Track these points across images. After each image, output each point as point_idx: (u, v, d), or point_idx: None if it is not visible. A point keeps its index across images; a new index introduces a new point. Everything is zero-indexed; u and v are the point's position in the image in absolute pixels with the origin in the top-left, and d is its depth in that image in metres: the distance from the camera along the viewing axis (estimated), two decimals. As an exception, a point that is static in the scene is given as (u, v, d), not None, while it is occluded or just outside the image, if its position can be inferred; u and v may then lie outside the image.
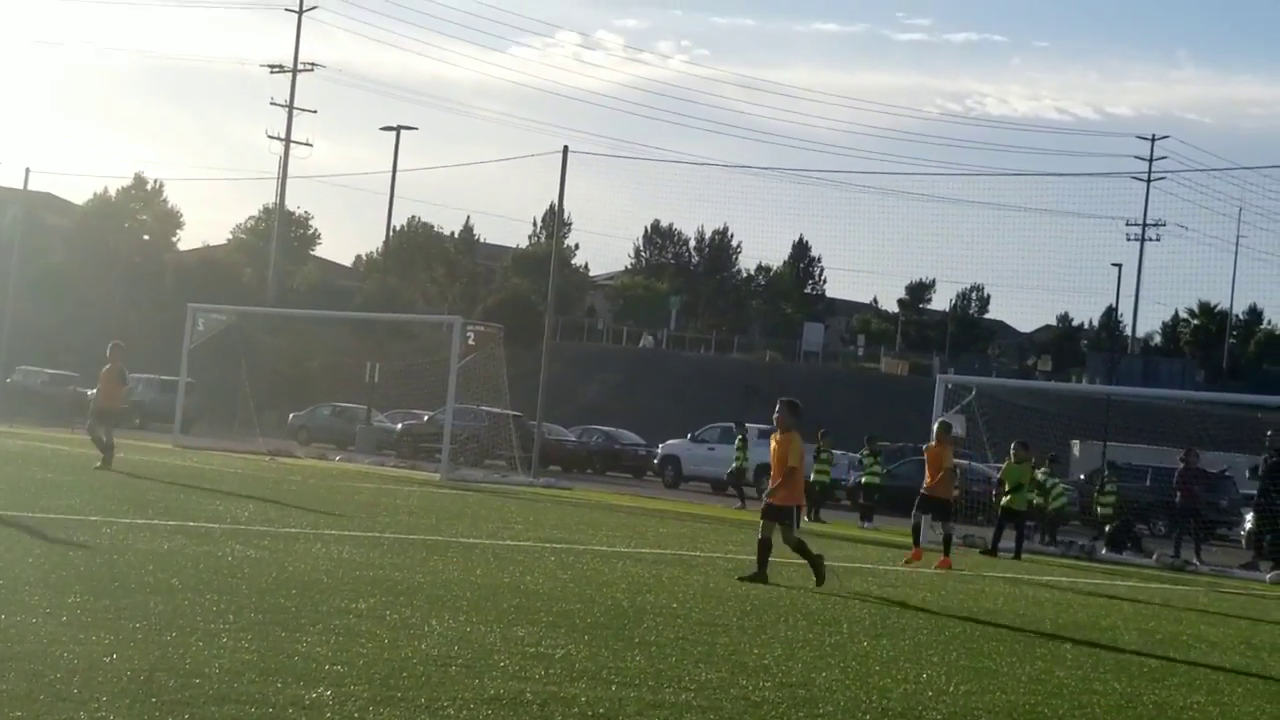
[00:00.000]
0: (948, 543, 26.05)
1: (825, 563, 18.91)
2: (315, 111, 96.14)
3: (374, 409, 66.72)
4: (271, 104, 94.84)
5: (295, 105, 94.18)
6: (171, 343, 54.86)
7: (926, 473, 26.30)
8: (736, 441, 45.62)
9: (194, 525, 19.13)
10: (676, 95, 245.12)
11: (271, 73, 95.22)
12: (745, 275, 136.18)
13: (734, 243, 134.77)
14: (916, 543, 26.16)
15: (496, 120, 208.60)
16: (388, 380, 66.79)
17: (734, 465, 44.71)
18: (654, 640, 12.23)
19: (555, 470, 56.70)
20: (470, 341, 44.29)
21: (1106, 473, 39.32)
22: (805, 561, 18.85)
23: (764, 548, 18.69)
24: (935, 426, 26.70)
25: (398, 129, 72.21)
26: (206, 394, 60.38)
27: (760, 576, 18.43)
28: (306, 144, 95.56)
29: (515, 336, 56.66)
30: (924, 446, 28.12)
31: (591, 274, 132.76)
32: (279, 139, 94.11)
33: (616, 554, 21.26)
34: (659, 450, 59.01)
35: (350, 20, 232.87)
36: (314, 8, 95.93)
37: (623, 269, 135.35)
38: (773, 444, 18.96)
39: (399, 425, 63.67)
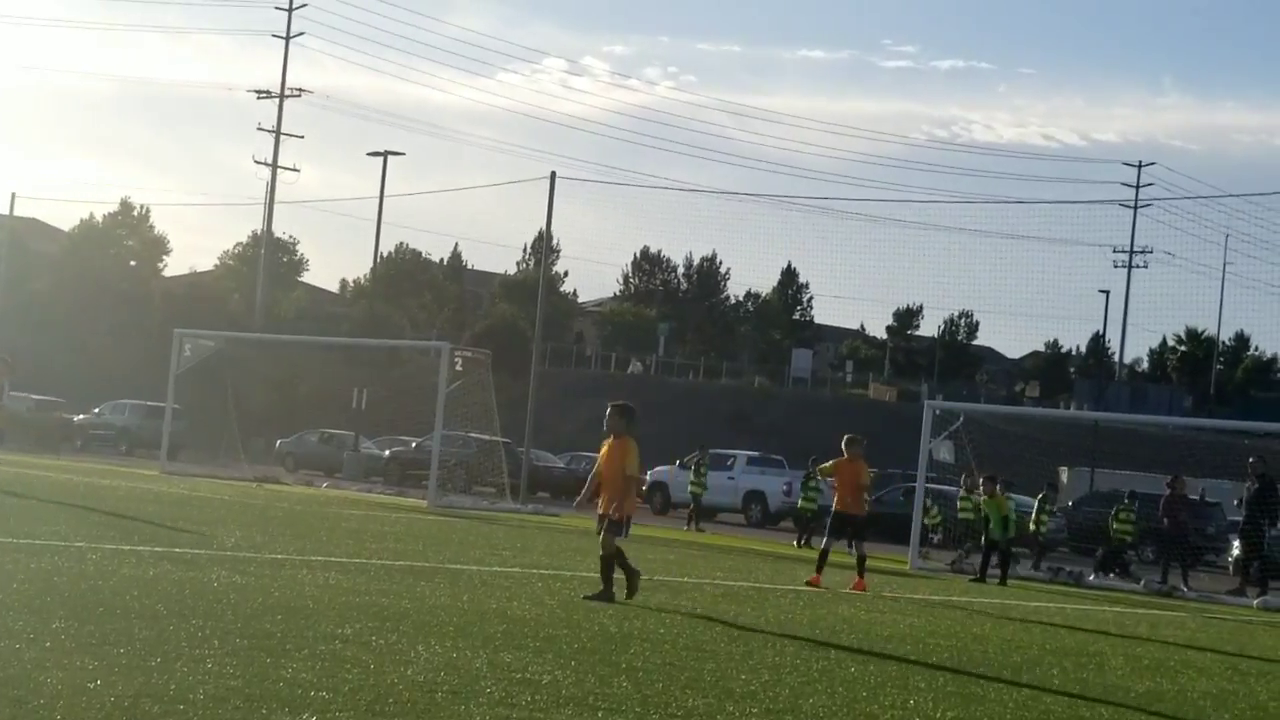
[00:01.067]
0: (861, 564, 24.84)
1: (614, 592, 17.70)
2: (302, 137, 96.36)
3: (361, 435, 66.65)
4: (258, 130, 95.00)
5: (282, 131, 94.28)
6: (158, 368, 54.78)
7: (838, 491, 24.80)
8: (699, 467, 46.51)
9: (179, 551, 19.08)
10: (664, 121, 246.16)
11: (258, 98, 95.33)
12: (734, 301, 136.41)
13: (722, 269, 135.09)
14: (820, 569, 24.50)
15: (484, 146, 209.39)
16: (375, 406, 66.77)
17: (690, 490, 46.07)
18: (641, 666, 12.20)
19: (543, 497, 56.65)
20: (458, 368, 44.22)
21: (1125, 500, 39.23)
22: (602, 574, 17.81)
23: (621, 563, 17.82)
24: (844, 441, 24.84)
25: (385, 155, 72.38)
26: (193, 420, 60.31)
27: (630, 585, 17.70)
28: (294, 169, 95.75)
29: (503, 363, 56.67)
30: (822, 465, 26.42)
31: (580, 300, 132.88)
32: (266, 164, 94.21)
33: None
34: (647, 477, 58.94)
35: (337, 46, 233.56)
36: (301, 34, 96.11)
37: (611, 295, 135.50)
38: (604, 450, 18.08)
39: (386, 452, 63.61)
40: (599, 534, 17.94)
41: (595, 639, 13.78)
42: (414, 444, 60.48)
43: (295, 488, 47.24)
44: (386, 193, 71.85)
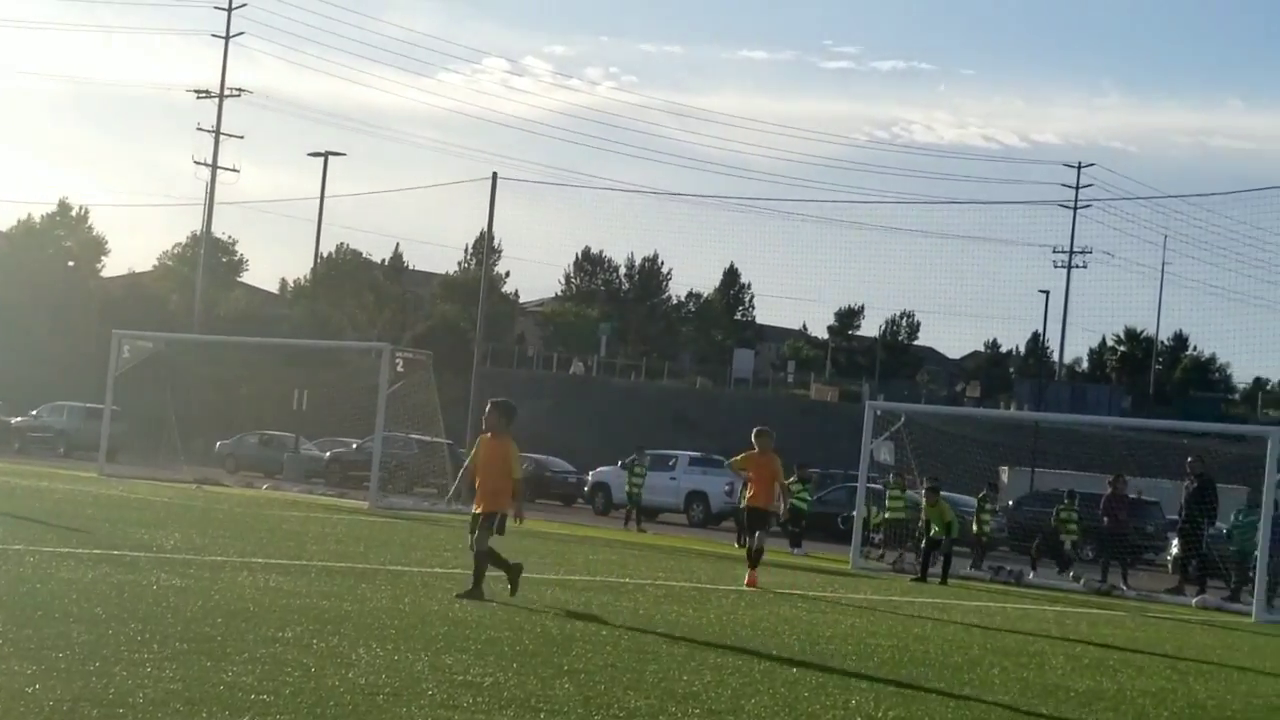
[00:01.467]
0: (758, 557, 24.04)
1: (488, 578, 17.45)
2: (242, 137, 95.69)
3: (302, 437, 66.43)
4: (198, 129, 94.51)
5: (222, 131, 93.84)
6: (97, 370, 54.46)
7: (752, 485, 24.39)
8: (635, 468, 46.40)
9: (119, 554, 18.95)
10: (605, 122, 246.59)
11: (198, 98, 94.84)
12: (676, 302, 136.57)
13: (664, 269, 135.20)
14: (754, 565, 24.00)
15: (426, 146, 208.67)
16: (316, 408, 66.57)
17: (627, 491, 45.94)
18: (583, 668, 12.19)
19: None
20: (399, 369, 44.07)
21: (1066, 499, 39.41)
22: (474, 572, 17.36)
23: (496, 561, 17.42)
24: (753, 434, 24.27)
25: (326, 155, 72.34)
26: (132, 422, 59.96)
27: (512, 581, 17.41)
28: (233, 170, 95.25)
29: (445, 363, 56.48)
30: (733, 460, 25.75)
31: (521, 301, 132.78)
32: (205, 164, 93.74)
33: (546, 581, 21.20)
34: (589, 477, 58.98)
35: (277, 46, 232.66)
36: (240, 34, 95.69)
37: (553, 295, 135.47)
38: (481, 447, 17.62)
39: (327, 453, 63.40)
40: (472, 532, 17.54)
41: (537, 641, 13.77)
42: (355, 445, 60.31)
43: (235, 489, 47.02)
44: (327, 193, 71.78)
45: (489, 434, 17.73)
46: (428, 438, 50.03)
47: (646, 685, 11.61)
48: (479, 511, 17.53)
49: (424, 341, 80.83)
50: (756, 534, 24.45)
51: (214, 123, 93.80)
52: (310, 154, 74.99)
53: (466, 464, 18.25)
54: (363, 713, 9.40)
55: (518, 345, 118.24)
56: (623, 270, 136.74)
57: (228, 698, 9.43)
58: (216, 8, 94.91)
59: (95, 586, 14.82)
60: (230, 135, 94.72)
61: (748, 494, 25.08)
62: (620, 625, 15.88)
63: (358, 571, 19.72)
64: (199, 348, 74.85)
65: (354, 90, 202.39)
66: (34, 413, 70.42)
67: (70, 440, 66.72)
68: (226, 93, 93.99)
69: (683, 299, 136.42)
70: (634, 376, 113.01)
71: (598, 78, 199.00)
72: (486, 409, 17.88)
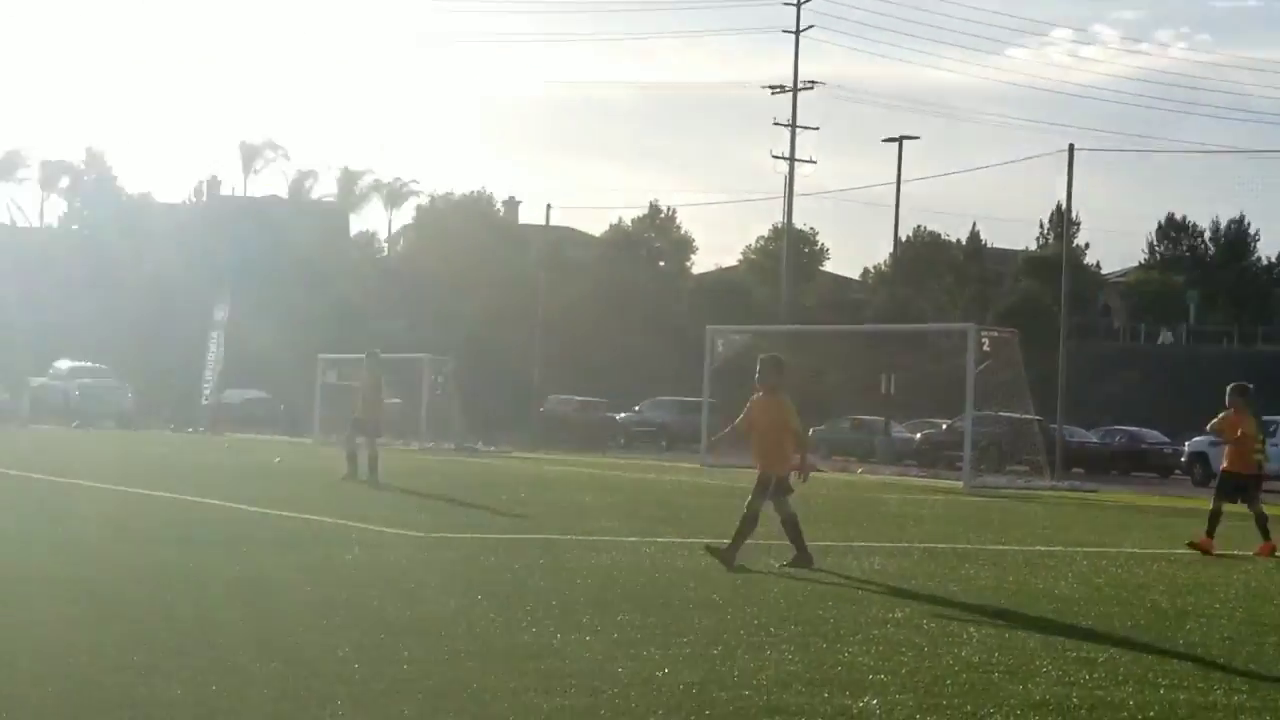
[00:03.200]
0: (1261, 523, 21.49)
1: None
2: (817, 129, 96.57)
3: (891, 420, 66.92)
4: (774, 124, 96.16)
5: (797, 124, 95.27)
6: (690, 365, 56.22)
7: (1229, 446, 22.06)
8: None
9: (726, 541, 19.52)
10: (1180, 84, 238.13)
11: (772, 94, 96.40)
12: (1266, 263, 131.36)
13: (1252, 230, 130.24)
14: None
15: (996, 124, 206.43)
16: (903, 390, 66.93)
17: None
18: (1199, 642, 11.99)
19: (1078, 473, 55.76)
20: (985, 348, 43.98)
21: None
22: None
23: (791, 525, 16.66)
24: (1230, 389, 21.75)
25: (900, 140, 72.65)
26: (728, 415, 61.48)
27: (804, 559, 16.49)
28: (810, 161, 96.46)
29: (1029, 339, 55.87)
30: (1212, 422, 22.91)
31: (1103, 272, 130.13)
32: (783, 158, 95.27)
33: (1150, 555, 20.81)
34: (1185, 448, 57.46)
35: (845, 36, 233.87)
36: (810, 27, 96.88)
37: (1136, 265, 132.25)
38: (753, 407, 16.93)
39: (918, 435, 63.69)
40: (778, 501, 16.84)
41: (1149, 616, 13.61)
42: (945, 426, 60.38)
43: (831, 474, 47.53)
44: (902, 177, 72.09)
45: (759, 393, 17.04)
46: (1018, 415, 49.69)
47: (1267, 658, 11.34)
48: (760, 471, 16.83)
49: (1006, 319, 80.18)
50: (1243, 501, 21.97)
51: (789, 117, 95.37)
52: (884, 140, 75.48)
53: (737, 422, 17.68)
54: (979, 690, 9.52)
55: (1102, 318, 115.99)
56: (1207, 234, 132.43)
57: (846, 678, 9.70)
58: (785, 3, 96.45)
59: (709, 574, 15.39)
60: (805, 128, 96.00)
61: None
62: (1234, 599, 15.48)
63: (959, 552, 19.84)
64: (787, 338, 76.36)
65: (923, 73, 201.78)
66: (636, 409, 73.15)
67: (671, 434, 68.90)
68: (799, 86, 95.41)
69: (1274, 260, 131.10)
70: (1226, 343, 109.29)
71: (1169, 40, 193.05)
72: (758, 368, 17.10)
